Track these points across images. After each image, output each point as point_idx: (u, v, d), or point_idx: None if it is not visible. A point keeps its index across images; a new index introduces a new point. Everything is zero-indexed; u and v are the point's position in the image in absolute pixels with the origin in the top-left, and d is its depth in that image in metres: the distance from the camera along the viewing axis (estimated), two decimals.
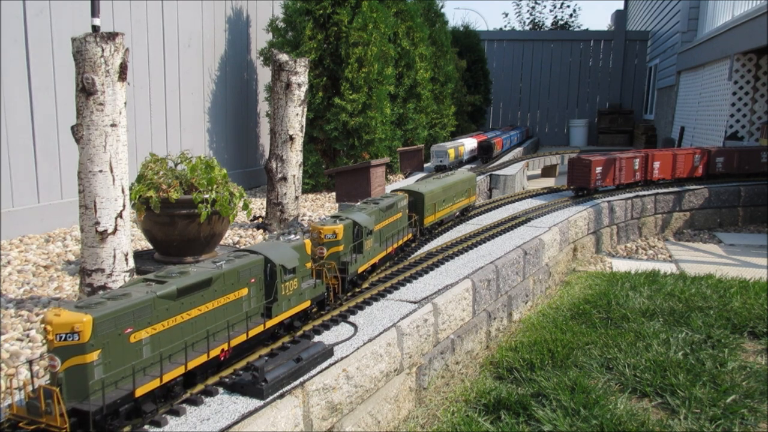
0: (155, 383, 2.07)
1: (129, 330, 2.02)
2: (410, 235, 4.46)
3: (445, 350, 3.52)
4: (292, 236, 2.92)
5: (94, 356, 1.91)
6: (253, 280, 2.58)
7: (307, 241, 2.93)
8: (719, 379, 3.38)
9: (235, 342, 2.43)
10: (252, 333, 2.53)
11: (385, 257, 4.01)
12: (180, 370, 2.17)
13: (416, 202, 4.60)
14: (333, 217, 3.46)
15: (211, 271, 2.38)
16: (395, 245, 4.12)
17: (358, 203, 4.09)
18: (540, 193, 7.71)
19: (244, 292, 2.54)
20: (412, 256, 4.39)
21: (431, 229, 4.97)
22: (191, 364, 2.22)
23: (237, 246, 5.21)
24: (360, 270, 3.48)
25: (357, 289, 3.51)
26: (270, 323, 2.65)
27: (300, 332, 2.88)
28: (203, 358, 2.27)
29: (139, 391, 2.01)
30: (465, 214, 5.81)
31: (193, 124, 8.05)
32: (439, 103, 12.93)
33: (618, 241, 7.23)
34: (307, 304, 2.90)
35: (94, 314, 1.90)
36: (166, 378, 2.11)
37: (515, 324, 4.47)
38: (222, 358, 2.39)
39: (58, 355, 1.88)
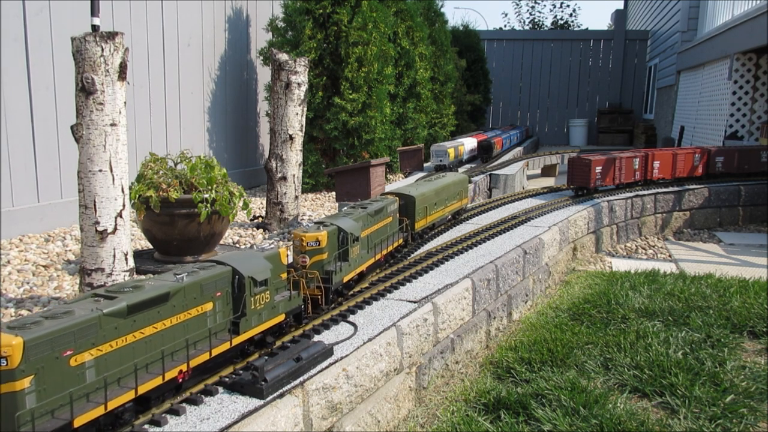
0: (99, 411, 1.87)
1: (68, 352, 1.82)
2: (400, 241, 4.29)
3: (444, 350, 3.52)
4: (266, 245, 2.78)
5: (25, 383, 1.71)
6: (219, 294, 2.39)
7: (283, 250, 2.76)
8: (719, 378, 3.38)
9: (196, 362, 2.24)
10: (216, 351, 2.33)
11: (374, 265, 3.83)
12: (129, 395, 1.97)
13: (407, 205, 4.41)
14: (316, 223, 3.27)
15: (170, 284, 2.18)
16: (384, 252, 3.94)
17: (345, 208, 3.93)
18: (540, 192, 7.71)
19: (209, 306, 2.35)
20: (412, 255, 4.39)
21: (423, 233, 4.81)
22: (143, 388, 2.02)
23: (237, 245, 5.21)
24: (345, 279, 3.29)
25: (342, 299, 3.32)
26: (237, 340, 2.45)
27: (300, 332, 2.88)
28: (157, 381, 2.08)
29: (79, 421, 1.82)
30: (457, 217, 5.62)
31: (193, 123, 8.05)
32: (439, 103, 12.93)
33: (618, 241, 7.24)
34: (280, 318, 2.70)
35: (26, 336, 1.71)
36: (112, 405, 1.91)
37: (515, 323, 4.47)
38: (181, 380, 2.19)
39: None
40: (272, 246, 2.73)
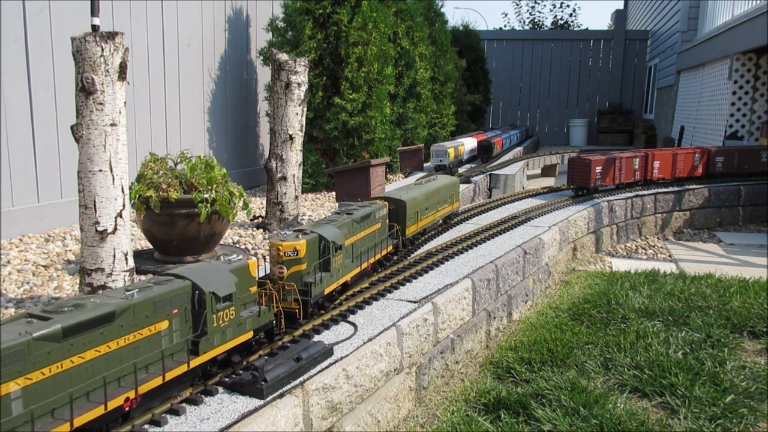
0: None
1: None
2: (390, 248, 4.08)
3: (444, 350, 3.52)
4: (233, 257, 2.55)
5: None
6: (176, 311, 2.18)
7: (252, 262, 2.56)
8: (719, 378, 3.38)
9: (146, 388, 2.04)
10: (171, 375, 2.13)
11: (361, 274, 3.63)
12: (64, 429, 1.78)
13: (397, 210, 4.23)
14: (295, 231, 3.08)
15: (116, 302, 1.99)
16: (371, 260, 3.73)
17: (329, 214, 3.74)
18: (540, 192, 7.71)
19: (164, 325, 2.14)
20: (412, 255, 4.39)
21: (413, 239, 4.64)
22: (80, 420, 1.82)
23: (237, 245, 5.22)
24: (327, 291, 3.10)
25: (323, 312, 3.14)
26: (196, 362, 2.24)
27: (300, 332, 2.88)
28: (99, 411, 1.88)
29: None
30: (448, 222, 5.45)
31: (193, 123, 8.05)
32: (439, 103, 12.93)
33: (618, 241, 7.24)
34: (248, 335, 2.50)
35: None
36: None
37: (515, 323, 4.47)
38: (128, 408, 2.00)
39: None
40: (240, 258, 2.54)
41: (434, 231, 5.15)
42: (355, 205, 3.83)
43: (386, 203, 4.11)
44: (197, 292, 2.27)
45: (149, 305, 2.09)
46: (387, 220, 4.06)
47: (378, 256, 3.85)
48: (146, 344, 2.08)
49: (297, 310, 2.86)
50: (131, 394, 1.99)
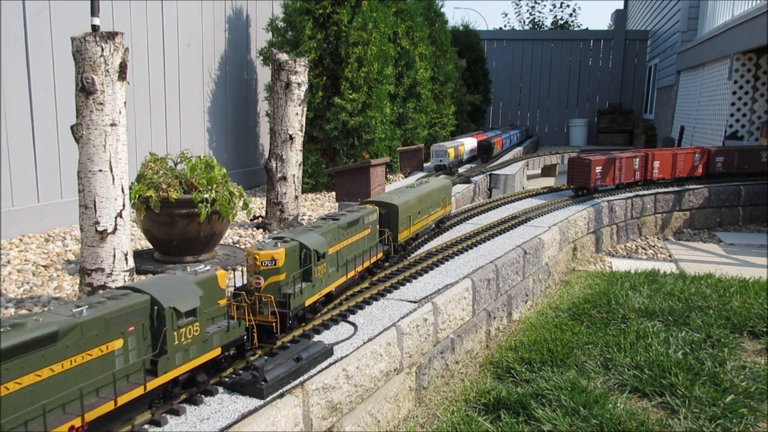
0: None
1: None
2: (380, 255, 3.87)
3: (444, 350, 3.52)
4: (200, 267, 2.39)
5: None
6: (132, 328, 2.02)
7: (221, 273, 2.39)
8: (719, 378, 3.38)
9: (94, 414, 1.85)
10: (124, 399, 1.95)
11: (348, 283, 3.44)
12: None
13: (389, 215, 4.04)
14: (275, 238, 2.91)
15: (61, 321, 1.80)
16: (359, 268, 3.52)
17: (314, 220, 3.59)
18: (540, 192, 7.71)
19: (118, 344, 1.97)
20: (412, 255, 4.39)
21: (406, 245, 4.45)
22: None
23: (237, 245, 5.22)
24: (308, 302, 2.91)
25: (304, 324, 2.96)
26: (153, 383, 2.06)
27: (299, 332, 2.88)
28: None
29: None
30: (441, 226, 5.29)
31: (193, 123, 8.05)
32: (439, 103, 12.94)
33: (618, 241, 7.24)
34: (215, 352, 2.32)
35: None
36: None
37: (515, 323, 4.47)
38: None
39: None
40: (207, 268, 2.40)
41: (427, 235, 5.00)
42: (344, 211, 3.66)
43: (377, 208, 3.93)
44: (156, 307, 2.09)
45: (100, 323, 1.91)
46: (377, 226, 3.89)
47: (367, 264, 3.65)
48: (97, 366, 1.90)
49: (274, 324, 2.67)
50: (77, 422, 1.80)
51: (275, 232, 5.83)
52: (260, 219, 6.18)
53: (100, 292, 2.68)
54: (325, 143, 8.76)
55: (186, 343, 2.18)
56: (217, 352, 2.33)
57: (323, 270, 3.05)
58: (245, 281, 2.84)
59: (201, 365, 2.27)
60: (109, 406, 1.90)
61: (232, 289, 2.74)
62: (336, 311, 3.17)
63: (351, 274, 3.42)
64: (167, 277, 2.28)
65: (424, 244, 4.83)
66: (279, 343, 2.72)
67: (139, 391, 2.00)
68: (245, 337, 2.49)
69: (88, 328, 1.87)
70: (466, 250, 4.55)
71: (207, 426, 2.09)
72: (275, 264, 2.72)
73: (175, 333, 2.13)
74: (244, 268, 2.79)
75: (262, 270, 2.71)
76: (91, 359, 1.88)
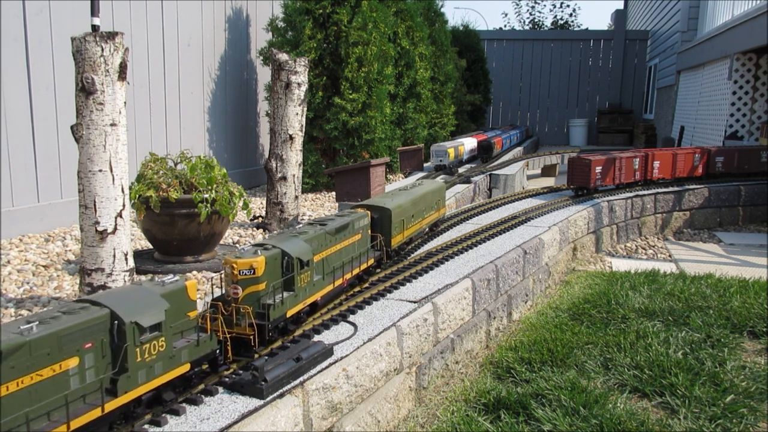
0: None
1: None
2: (371, 261, 3.70)
3: (444, 350, 3.52)
4: (168, 278, 2.25)
5: None
6: (89, 345, 1.87)
7: (191, 283, 2.25)
8: (719, 378, 3.39)
9: None
10: (78, 423, 1.80)
11: (336, 291, 3.29)
12: None
13: (381, 219, 3.88)
14: (256, 245, 2.76)
15: (6, 340, 1.68)
16: (347, 276, 3.35)
17: (300, 225, 3.44)
18: (540, 192, 7.71)
19: (73, 363, 1.83)
20: (412, 255, 4.39)
21: (399, 250, 4.30)
22: None
23: (237, 245, 5.22)
24: (290, 313, 2.76)
25: (288, 336, 2.81)
26: (112, 405, 1.91)
27: (300, 332, 2.88)
28: None
29: None
30: (434, 229, 5.16)
31: (193, 123, 8.05)
32: (439, 103, 12.94)
33: (618, 241, 7.24)
34: (184, 368, 2.18)
35: None
36: None
37: (515, 323, 4.47)
38: None
39: None
40: (176, 279, 2.25)
41: (420, 239, 4.86)
42: (333, 215, 3.52)
43: (368, 212, 3.77)
44: (116, 321, 1.94)
45: (52, 340, 1.76)
46: (369, 231, 3.73)
47: (356, 271, 3.48)
48: (47, 387, 1.76)
49: (252, 337, 2.50)
50: None
51: (275, 231, 5.83)
52: (260, 219, 6.18)
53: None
54: (325, 143, 8.76)
55: (150, 360, 2.04)
56: (186, 368, 2.19)
57: (307, 278, 2.91)
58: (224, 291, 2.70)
59: (168, 383, 2.14)
60: (60, 431, 1.75)
61: (210, 300, 2.63)
62: (336, 311, 3.17)
63: (339, 282, 3.27)
64: (131, 289, 2.17)
65: (424, 244, 4.82)
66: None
67: (96, 413, 1.85)
68: (218, 351, 2.35)
69: (37, 347, 1.73)
70: (466, 250, 4.55)
71: (207, 426, 2.09)
72: (254, 273, 2.57)
73: (138, 349, 1.99)
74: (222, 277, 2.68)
75: (239, 279, 2.57)
76: (40, 380, 1.74)
